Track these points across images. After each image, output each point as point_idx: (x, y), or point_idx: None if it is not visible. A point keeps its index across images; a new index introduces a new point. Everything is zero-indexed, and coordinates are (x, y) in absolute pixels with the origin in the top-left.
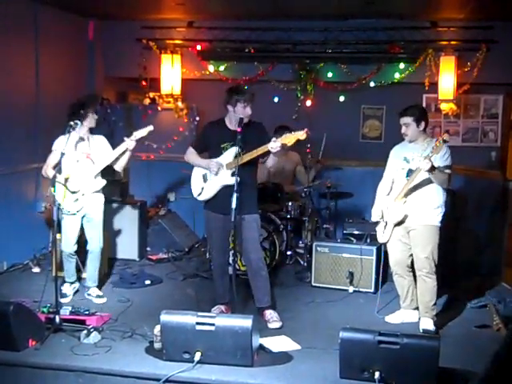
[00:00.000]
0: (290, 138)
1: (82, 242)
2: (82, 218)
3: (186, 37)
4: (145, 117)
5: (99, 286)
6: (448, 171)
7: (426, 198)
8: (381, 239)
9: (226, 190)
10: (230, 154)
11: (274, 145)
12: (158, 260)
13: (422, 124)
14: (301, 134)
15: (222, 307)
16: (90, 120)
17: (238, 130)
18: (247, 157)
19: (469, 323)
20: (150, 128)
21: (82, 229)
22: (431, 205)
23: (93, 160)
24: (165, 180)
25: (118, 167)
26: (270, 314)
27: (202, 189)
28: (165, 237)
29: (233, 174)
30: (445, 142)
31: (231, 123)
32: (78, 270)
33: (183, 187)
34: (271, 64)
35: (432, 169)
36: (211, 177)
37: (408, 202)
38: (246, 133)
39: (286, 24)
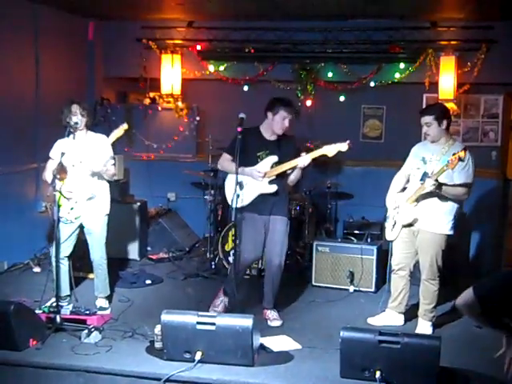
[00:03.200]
0: (331, 150)
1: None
2: (81, 228)
3: (186, 37)
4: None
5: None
6: (462, 188)
7: (437, 205)
8: (388, 237)
9: (263, 196)
10: (266, 163)
11: (303, 161)
12: (159, 260)
13: (444, 123)
14: (342, 147)
15: (226, 300)
16: (70, 114)
17: (239, 129)
18: (277, 170)
19: (469, 323)
20: (125, 126)
21: (78, 239)
22: (441, 212)
23: (87, 163)
24: (165, 180)
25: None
26: (270, 312)
27: (238, 196)
28: (165, 236)
29: (270, 183)
30: (460, 160)
31: (267, 132)
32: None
33: (183, 187)
34: (271, 64)
35: (439, 188)
36: (247, 185)
37: (419, 206)
38: (282, 143)
39: (286, 24)
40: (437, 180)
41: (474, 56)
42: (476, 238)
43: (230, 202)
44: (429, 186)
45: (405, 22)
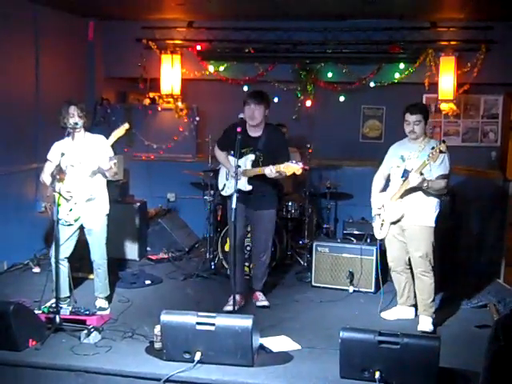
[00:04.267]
0: (290, 169)
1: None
2: (81, 228)
3: (186, 37)
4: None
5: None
6: (443, 180)
7: (421, 199)
8: (378, 236)
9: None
10: (248, 161)
11: (270, 173)
12: (158, 260)
13: (427, 122)
14: (297, 169)
15: (237, 296)
16: (67, 115)
17: (238, 129)
18: (250, 173)
19: (469, 323)
20: (126, 126)
21: (77, 240)
22: (426, 205)
23: (86, 164)
24: (165, 180)
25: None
26: (259, 294)
27: (224, 185)
28: (165, 237)
29: (249, 183)
30: (441, 152)
31: (251, 128)
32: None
33: (183, 187)
34: (271, 64)
35: (422, 182)
36: (231, 177)
37: (404, 202)
38: (266, 139)
39: (286, 24)
40: (421, 173)
41: (474, 56)
42: (476, 237)
43: (219, 189)
44: (413, 180)
45: (404, 22)
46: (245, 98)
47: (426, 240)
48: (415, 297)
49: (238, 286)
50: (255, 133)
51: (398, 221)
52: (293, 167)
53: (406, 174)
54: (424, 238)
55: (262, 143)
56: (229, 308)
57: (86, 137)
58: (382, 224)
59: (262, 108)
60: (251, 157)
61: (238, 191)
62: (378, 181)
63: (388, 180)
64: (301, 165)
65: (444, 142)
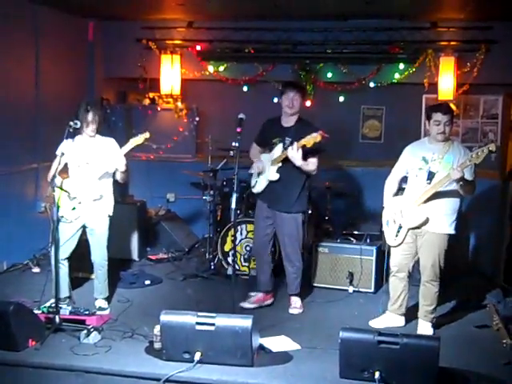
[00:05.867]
0: (310, 140)
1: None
2: (83, 228)
3: (186, 37)
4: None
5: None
6: (474, 184)
7: (440, 205)
8: (392, 242)
9: (273, 185)
10: (277, 151)
11: (291, 151)
12: (158, 260)
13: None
14: (315, 137)
15: (261, 294)
16: (85, 122)
17: (238, 130)
18: (277, 159)
19: (468, 323)
20: (146, 135)
21: (79, 240)
22: (444, 212)
23: (95, 165)
24: (165, 180)
25: (118, 178)
26: (294, 300)
27: (256, 182)
28: (165, 237)
29: (277, 171)
30: (491, 152)
31: (283, 119)
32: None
33: (183, 187)
34: (271, 64)
35: (461, 179)
36: (263, 172)
37: (427, 206)
38: (297, 129)
39: (285, 24)
40: (463, 170)
41: (474, 56)
42: (475, 238)
43: (251, 187)
44: (455, 174)
45: (405, 22)
46: (282, 87)
47: (439, 248)
48: (407, 306)
49: (264, 285)
50: (288, 123)
51: (418, 227)
52: (311, 136)
53: (431, 176)
54: (438, 245)
55: (292, 132)
56: (247, 305)
57: (96, 138)
58: (398, 230)
59: (300, 97)
60: (280, 146)
61: (268, 184)
62: (391, 184)
63: (398, 183)
64: (319, 131)
65: (492, 141)
